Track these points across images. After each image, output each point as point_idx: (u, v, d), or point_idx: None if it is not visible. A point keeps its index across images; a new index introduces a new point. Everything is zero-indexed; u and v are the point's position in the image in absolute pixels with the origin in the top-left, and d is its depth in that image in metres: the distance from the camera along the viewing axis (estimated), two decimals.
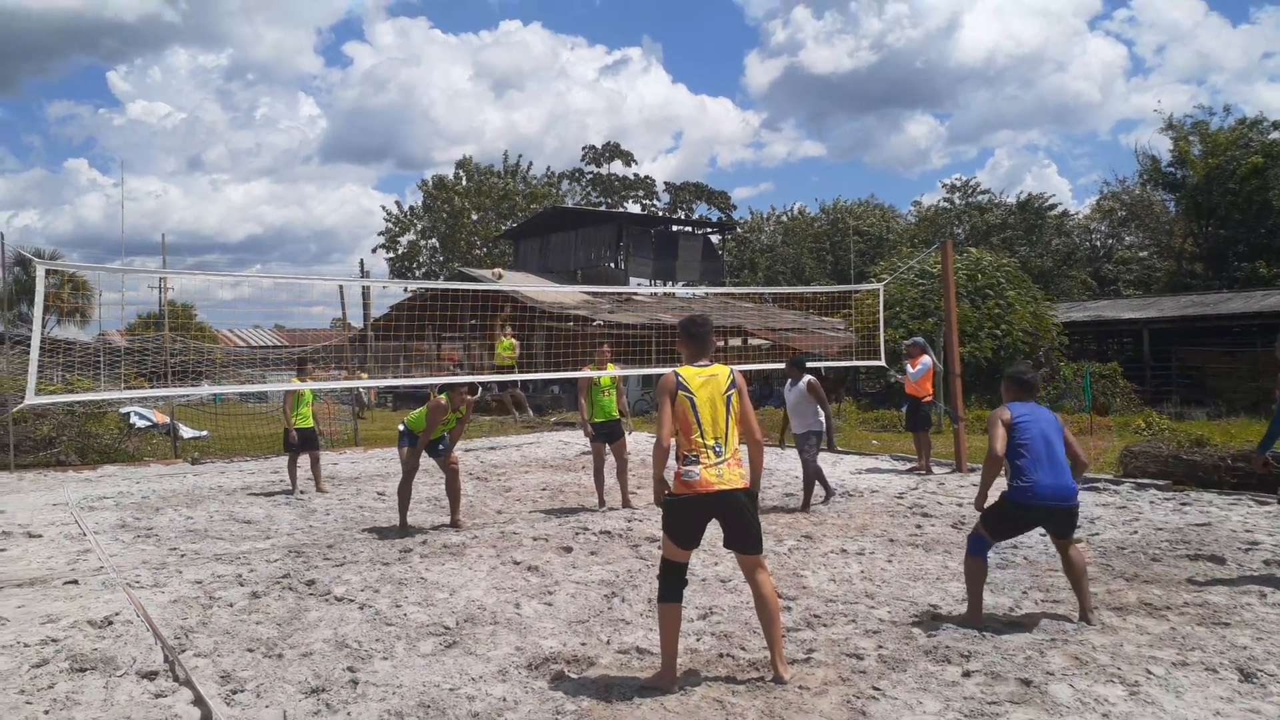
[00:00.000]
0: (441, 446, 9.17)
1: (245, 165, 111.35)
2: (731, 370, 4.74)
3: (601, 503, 10.02)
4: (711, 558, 7.39)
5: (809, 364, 10.31)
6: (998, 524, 5.61)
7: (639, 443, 17.59)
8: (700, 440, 4.54)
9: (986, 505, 5.69)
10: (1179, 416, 18.77)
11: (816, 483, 9.73)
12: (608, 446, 10.02)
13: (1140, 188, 43.55)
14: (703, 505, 4.52)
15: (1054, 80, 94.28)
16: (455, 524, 8.97)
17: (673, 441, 4.65)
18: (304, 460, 12.00)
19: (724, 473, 4.51)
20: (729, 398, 4.63)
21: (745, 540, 4.61)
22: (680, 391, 4.60)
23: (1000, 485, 5.66)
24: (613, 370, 10.19)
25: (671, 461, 4.67)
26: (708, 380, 4.64)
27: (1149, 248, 44.53)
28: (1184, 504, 9.45)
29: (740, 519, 4.55)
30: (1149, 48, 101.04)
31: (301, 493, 11.52)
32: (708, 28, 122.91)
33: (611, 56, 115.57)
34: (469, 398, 8.97)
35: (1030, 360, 23.32)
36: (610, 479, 10.17)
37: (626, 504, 9.93)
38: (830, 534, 8.32)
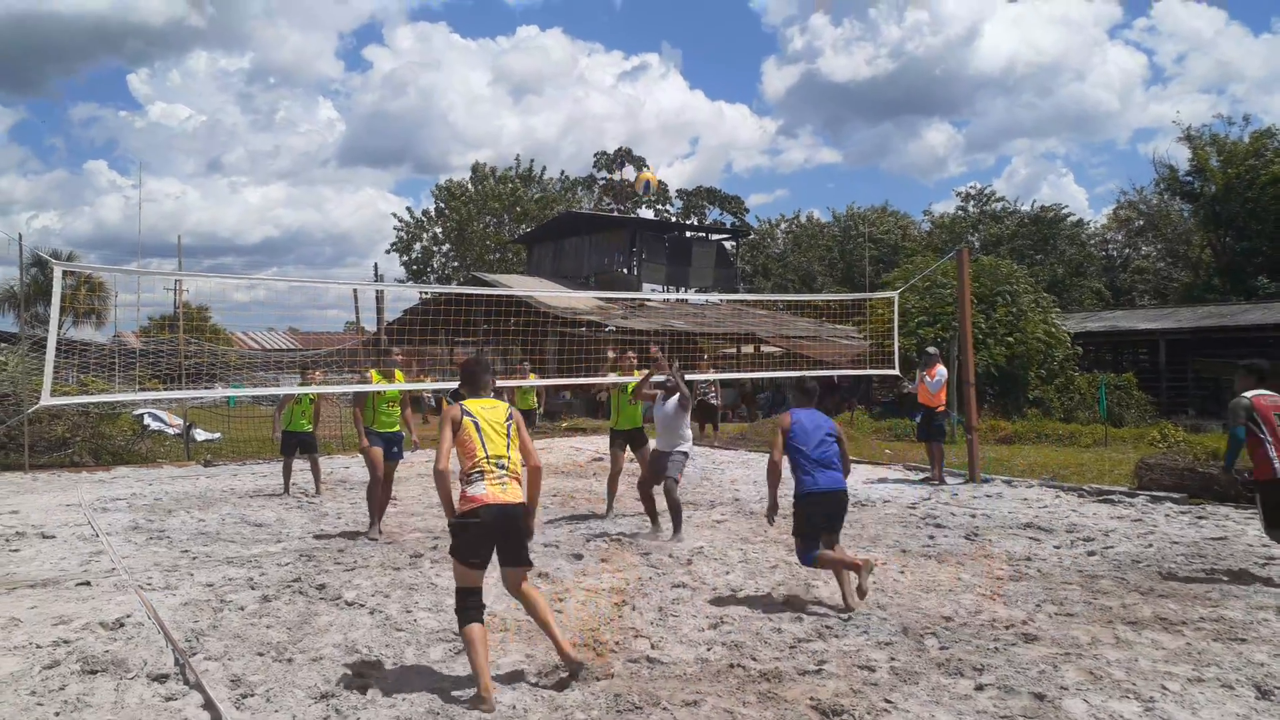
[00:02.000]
0: (396, 449, 9.24)
1: (263, 168, 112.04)
2: (510, 406, 5.14)
3: (609, 510, 9.96)
4: (722, 566, 7.37)
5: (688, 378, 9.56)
6: (802, 526, 6.29)
7: None
8: (484, 458, 4.82)
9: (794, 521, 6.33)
10: (1195, 429, 18.62)
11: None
12: (629, 453, 9.87)
13: (1158, 197, 43.27)
14: (488, 518, 4.71)
15: (1073, 89, 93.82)
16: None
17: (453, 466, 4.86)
18: (302, 464, 12.11)
19: (507, 488, 4.79)
20: (509, 426, 4.97)
21: (517, 555, 4.85)
22: (465, 417, 4.93)
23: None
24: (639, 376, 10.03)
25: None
26: (490, 409, 5.01)
27: (1166, 258, 44.24)
28: (1200, 518, 9.37)
29: (518, 533, 4.84)
30: (1169, 57, 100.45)
31: (303, 494, 11.55)
32: (726, 34, 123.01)
33: (630, 62, 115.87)
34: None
35: (1044, 370, 23.21)
36: (622, 487, 10.13)
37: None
38: (842, 544, 8.26)
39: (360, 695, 4.61)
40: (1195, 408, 23.81)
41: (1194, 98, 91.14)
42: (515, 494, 4.82)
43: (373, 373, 9.26)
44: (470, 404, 5.02)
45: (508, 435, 4.93)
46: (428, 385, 13.24)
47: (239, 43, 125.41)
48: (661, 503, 8.72)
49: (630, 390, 9.58)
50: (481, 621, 4.72)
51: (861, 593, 6.04)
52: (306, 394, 11.67)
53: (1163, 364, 26.59)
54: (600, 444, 18.76)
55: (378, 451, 8.90)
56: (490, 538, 4.76)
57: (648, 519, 8.93)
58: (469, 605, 4.72)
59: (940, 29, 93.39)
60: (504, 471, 4.81)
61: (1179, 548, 7.94)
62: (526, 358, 16.59)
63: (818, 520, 6.26)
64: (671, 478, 8.60)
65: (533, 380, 13.53)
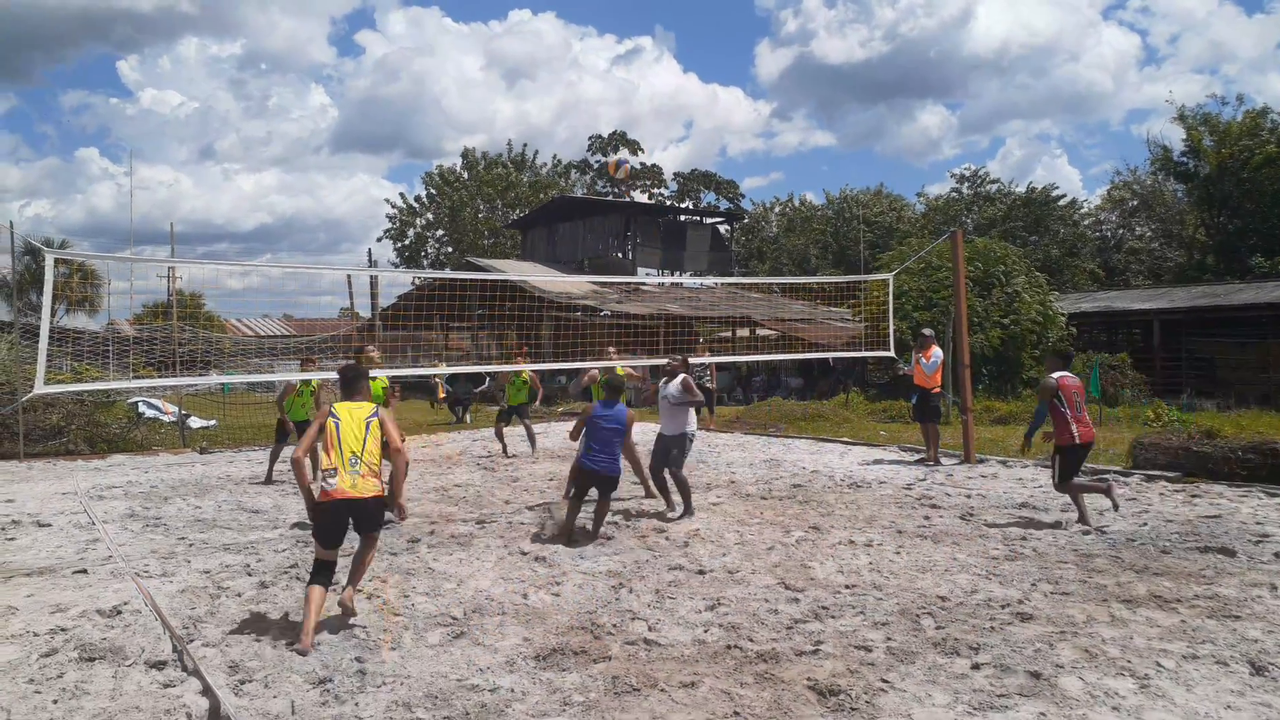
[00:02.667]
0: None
1: (256, 155, 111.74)
2: (377, 408, 5.75)
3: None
4: (719, 549, 7.39)
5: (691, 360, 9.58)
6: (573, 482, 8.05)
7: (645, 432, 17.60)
8: (339, 457, 5.45)
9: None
10: (1189, 408, 18.68)
11: (666, 488, 9.01)
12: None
13: (1152, 178, 43.26)
14: (340, 509, 5.39)
15: (1067, 70, 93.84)
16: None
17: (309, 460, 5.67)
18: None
19: (358, 483, 5.42)
20: (369, 423, 5.59)
21: (366, 526, 5.59)
22: (330, 418, 5.58)
23: None
24: (618, 362, 10.10)
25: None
26: (355, 410, 5.64)
27: (1160, 238, 44.25)
28: (1194, 496, 9.41)
29: (370, 517, 5.54)
30: (1162, 37, 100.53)
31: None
32: (719, 17, 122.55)
33: (623, 46, 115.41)
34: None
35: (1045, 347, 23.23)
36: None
37: (650, 494, 9.79)
38: (838, 525, 8.30)
39: (358, 680, 4.62)
40: (1189, 387, 23.85)
41: (1187, 78, 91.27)
42: (366, 488, 5.44)
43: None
44: (339, 406, 5.67)
45: (366, 432, 5.55)
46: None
47: (230, 28, 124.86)
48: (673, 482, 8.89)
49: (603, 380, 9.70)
50: (325, 587, 5.38)
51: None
52: (309, 384, 11.67)
53: (1157, 344, 26.64)
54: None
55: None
56: (341, 524, 5.45)
57: (644, 498, 9.02)
58: (319, 571, 5.42)
59: (934, 11, 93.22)
60: (356, 468, 5.45)
61: (1173, 526, 7.97)
62: (523, 344, 16.30)
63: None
64: (680, 463, 8.80)
65: (526, 365, 13.42)
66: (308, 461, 5.60)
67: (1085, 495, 8.33)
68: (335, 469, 5.42)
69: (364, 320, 24.86)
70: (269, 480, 11.63)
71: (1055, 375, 8.34)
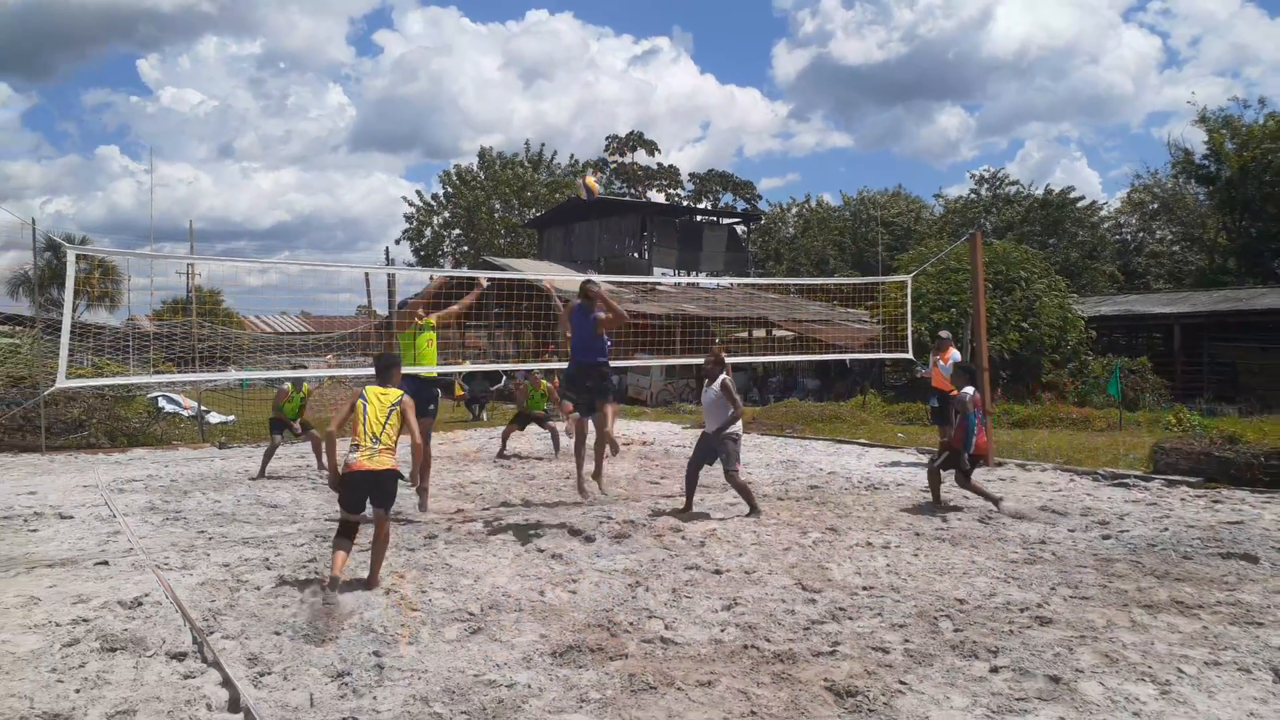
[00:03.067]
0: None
1: (275, 153, 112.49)
2: (404, 394, 6.46)
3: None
4: (735, 548, 7.38)
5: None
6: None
7: (661, 432, 17.58)
8: (363, 434, 6.20)
9: None
10: (1210, 413, 18.51)
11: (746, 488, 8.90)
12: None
13: (1172, 181, 42.90)
14: (358, 480, 6.14)
15: (1086, 72, 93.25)
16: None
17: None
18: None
19: (375, 458, 6.16)
20: (392, 410, 6.29)
21: (382, 501, 6.24)
22: (359, 400, 6.34)
23: None
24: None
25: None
26: (382, 395, 6.37)
27: (1181, 242, 43.89)
28: (1216, 502, 9.32)
29: (382, 489, 6.22)
30: (1183, 39, 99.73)
31: (319, 474, 11.62)
32: (737, 17, 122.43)
33: (640, 46, 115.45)
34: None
35: (1057, 355, 23.11)
36: (635, 469, 10.16)
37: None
38: (856, 527, 8.27)
39: (376, 674, 4.64)
40: (1210, 392, 23.64)
41: (1209, 80, 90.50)
42: (383, 463, 6.17)
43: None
44: (370, 391, 6.39)
45: (388, 418, 6.26)
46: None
47: (250, 28, 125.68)
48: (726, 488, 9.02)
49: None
50: (347, 549, 6.14)
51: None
52: (300, 391, 12.17)
53: (1177, 348, 26.43)
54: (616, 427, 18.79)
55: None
56: (359, 492, 6.18)
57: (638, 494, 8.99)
58: (342, 532, 6.20)
59: (953, 12, 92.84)
60: (375, 445, 6.17)
61: (1195, 531, 7.90)
62: (550, 343, 15.65)
63: None
64: (731, 469, 8.68)
65: (542, 364, 13.44)
66: (335, 435, 6.37)
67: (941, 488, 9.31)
68: (358, 445, 6.18)
69: (381, 319, 24.94)
70: (261, 474, 11.71)
71: (970, 390, 9.15)
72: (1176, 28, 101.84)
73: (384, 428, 6.24)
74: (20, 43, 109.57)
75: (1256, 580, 6.31)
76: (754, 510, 8.74)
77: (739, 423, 8.87)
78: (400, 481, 6.39)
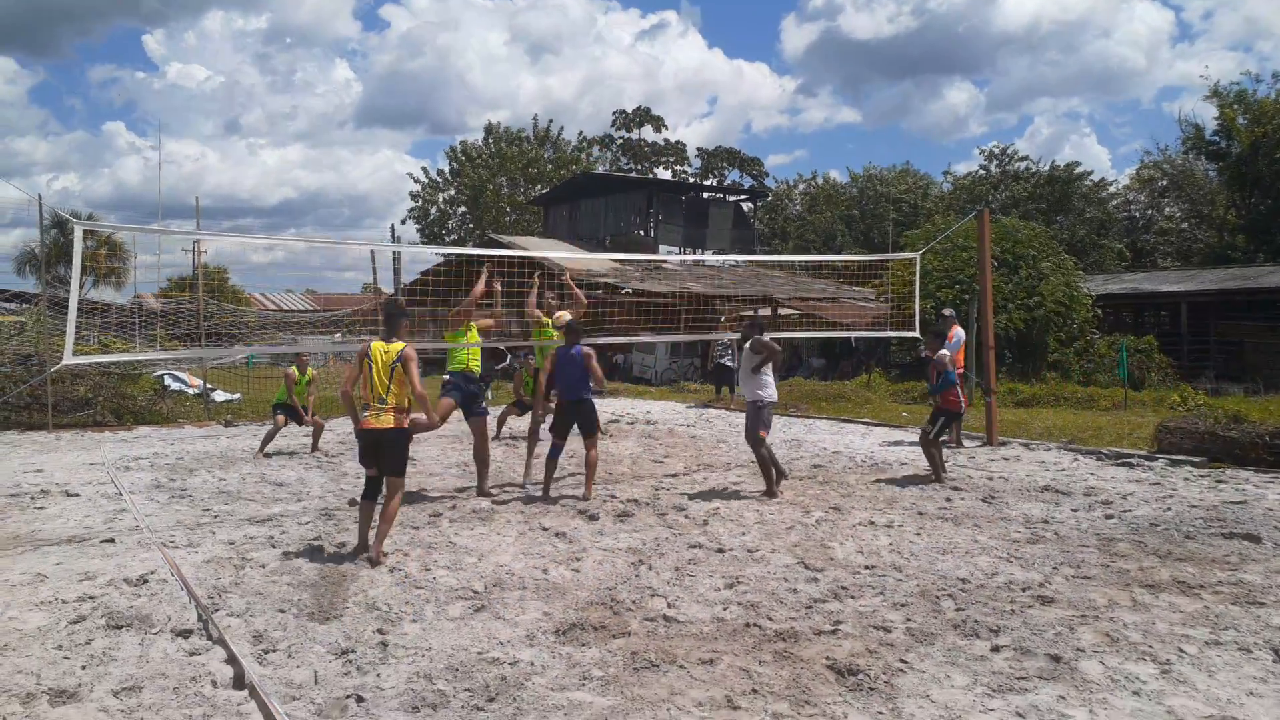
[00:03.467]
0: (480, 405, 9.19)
1: (281, 129, 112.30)
2: (406, 347, 6.48)
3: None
4: (738, 527, 7.40)
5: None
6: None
7: (666, 411, 17.59)
8: (370, 394, 6.43)
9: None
10: (1216, 392, 18.46)
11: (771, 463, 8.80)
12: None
13: (1182, 157, 42.57)
14: (367, 436, 6.48)
15: (1098, 46, 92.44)
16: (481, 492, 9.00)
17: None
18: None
19: (381, 417, 6.40)
20: (394, 368, 6.40)
21: (389, 466, 6.51)
22: (364, 359, 6.49)
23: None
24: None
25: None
26: (385, 351, 6.46)
27: (1190, 219, 43.61)
28: (1219, 481, 9.31)
29: (388, 447, 6.46)
30: (1196, 13, 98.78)
31: (324, 455, 11.65)
32: None
33: (648, 20, 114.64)
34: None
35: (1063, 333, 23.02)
36: (638, 448, 10.15)
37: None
38: (859, 506, 8.29)
39: (380, 651, 4.68)
40: (1215, 371, 23.56)
41: (1221, 55, 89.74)
42: (386, 421, 6.40)
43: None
44: (374, 347, 6.50)
45: (390, 377, 6.40)
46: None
47: (256, 3, 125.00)
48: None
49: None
50: (373, 500, 6.57)
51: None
52: (304, 378, 12.07)
53: (1184, 327, 26.33)
54: (616, 405, 18.83)
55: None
56: (369, 450, 6.53)
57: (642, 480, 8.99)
58: (366, 487, 6.65)
59: None
60: (381, 405, 6.40)
61: (1198, 511, 7.90)
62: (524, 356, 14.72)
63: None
64: (754, 433, 8.66)
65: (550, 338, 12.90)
66: (351, 392, 6.55)
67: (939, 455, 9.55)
68: (367, 403, 6.45)
69: (387, 295, 24.93)
70: (261, 450, 11.75)
71: (948, 352, 9.81)
72: (1190, 1, 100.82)
73: (388, 386, 6.40)
74: (26, 17, 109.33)
75: (1259, 560, 6.31)
76: (769, 491, 8.66)
77: (772, 391, 8.80)
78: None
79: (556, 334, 9.60)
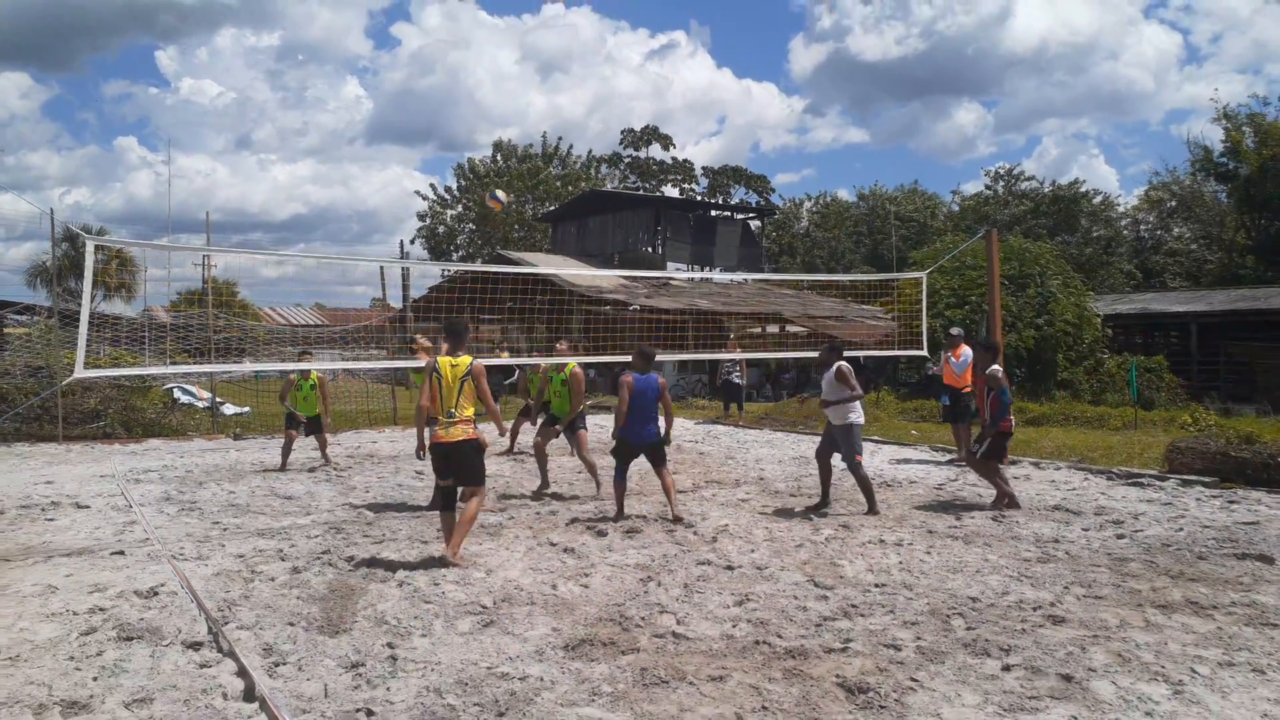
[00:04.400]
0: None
1: (292, 145, 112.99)
2: (473, 361, 6.75)
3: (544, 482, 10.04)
4: (747, 544, 7.39)
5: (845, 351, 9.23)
6: (621, 455, 8.40)
7: (673, 427, 17.60)
8: (441, 408, 6.67)
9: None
10: (1226, 412, 18.38)
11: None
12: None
13: (1191, 178, 42.55)
14: (439, 450, 6.69)
15: (1106, 68, 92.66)
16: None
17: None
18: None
19: (453, 430, 6.63)
20: (464, 381, 6.66)
21: (464, 477, 6.76)
22: (434, 374, 6.73)
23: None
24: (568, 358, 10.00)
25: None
26: (454, 367, 6.70)
27: (1199, 240, 43.54)
28: (1231, 502, 9.26)
29: (463, 461, 6.67)
30: (1205, 36, 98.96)
31: (334, 469, 11.66)
32: (754, 11, 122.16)
33: (657, 40, 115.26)
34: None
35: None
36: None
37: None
38: (868, 524, 8.26)
39: (389, 665, 4.67)
40: (1227, 391, 23.47)
41: (1230, 77, 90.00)
42: (458, 434, 6.63)
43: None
44: (442, 363, 6.73)
45: (460, 391, 6.65)
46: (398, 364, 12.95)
47: (269, 20, 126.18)
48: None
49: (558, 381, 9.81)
50: (451, 509, 6.79)
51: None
52: (308, 379, 11.86)
53: (1194, 347, 26.25)
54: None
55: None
56: (443, 463, 6.72)
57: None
58: (440, 497, 6.91)
59: (972, 8, 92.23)
60: (451, 419, 6.65)
61: (1210, 531, 7.85)
62: (561, 339, 14.25)
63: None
64: (851, 458, 8.65)
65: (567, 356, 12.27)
66: (425, 408, 6.88)
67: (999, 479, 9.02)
68: (436, 419, 6.70)
69: (395, 311, 25.02)
70: (283, 468, 11.70)
71: (998, 368, 9.32)
72: (1198, 24, 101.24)
73: (457, 400, 6.64)
74: (42, 33, 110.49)
75: (1272, 581, 6.27)
76: (872, 509, 8.60)
77: (859, 411, 8.79)
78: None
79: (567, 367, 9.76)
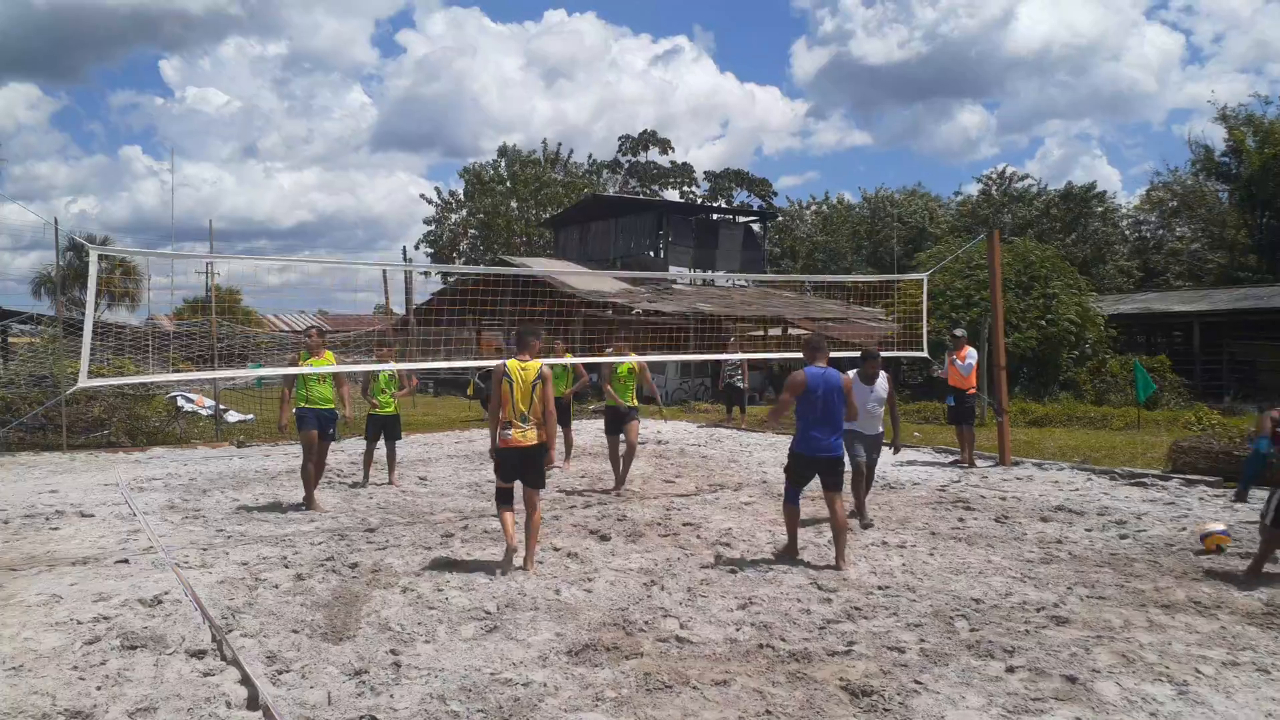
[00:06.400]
0: (331, 430, 9.65)
1: (297, 153, 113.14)
2: (542, 365, 6.89)
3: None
4: (751, 548, 7.38)
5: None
6: (793, 473, 7.03)
7: (676, 431, 17.59)
8: (512, 413, 6.75)
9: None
10: (1230, 412, 18.35)
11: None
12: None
13: (1193, 178, 42.49)
14: (512, 454, 6.80)
15: (1108, 69, 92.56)
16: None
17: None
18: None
19: (526, 434, 6.75)
20: (535, 385, 6.77)
21: (532, 480, 6.89)
22: (505, 379, 6.76)
23: None
24: (634, 359, 10.40)
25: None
26: (523, 370, 6.80)
27: (1201, 239, 43.46)
28: (1235, 501, 9.24)
29: (533, 464, 6.84)
30: (1206, 36, 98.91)
31: (334, 474, 11.67)
32: (757, 16, 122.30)
33: (660, 45, 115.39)
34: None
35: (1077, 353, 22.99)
36: (647, 467, 10.19)
37: (620, 485, 10.36)
38: (871, 526, 8.25)
39: (393, 671, 4.68)
40: (1230, 391, 23.42)
41: (1231, 77, 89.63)
42: (531, 438, 6.76)
43: (300, 353, 9.55)
44: (512, 367, 6.81)
45: (532, 394, 6.75)
46: (355, 367, 12.30)
47: (275, 29, 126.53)
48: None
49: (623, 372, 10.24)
50: (510, 509, 6.86)
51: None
52: (383, 374, 10.84)
53: (1196, 347, 26.21)
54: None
55: (310, 434, 9.20)
56: (513, 466, 6.82)
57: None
58: (503, 499, 6.91)
59: (975, 11, 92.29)
60: (525, 423, 6.74)
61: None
62: (558, 341, 13.70)
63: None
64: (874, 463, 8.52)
65: (567, 358, 12.31)
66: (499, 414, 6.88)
67: None
68: (510, 422, 6.75)
69: (398, 317, 25.04)
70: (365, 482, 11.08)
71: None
72: (1199, 25, 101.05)
73: (530, 405, 6.76)
74: (51, 45, 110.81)
75: (1275, 581, 6.26)
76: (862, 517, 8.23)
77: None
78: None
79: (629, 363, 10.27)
